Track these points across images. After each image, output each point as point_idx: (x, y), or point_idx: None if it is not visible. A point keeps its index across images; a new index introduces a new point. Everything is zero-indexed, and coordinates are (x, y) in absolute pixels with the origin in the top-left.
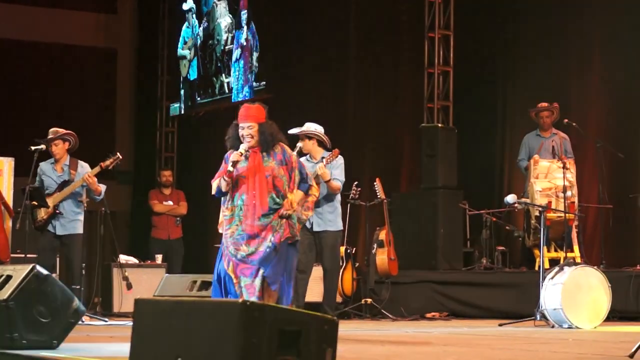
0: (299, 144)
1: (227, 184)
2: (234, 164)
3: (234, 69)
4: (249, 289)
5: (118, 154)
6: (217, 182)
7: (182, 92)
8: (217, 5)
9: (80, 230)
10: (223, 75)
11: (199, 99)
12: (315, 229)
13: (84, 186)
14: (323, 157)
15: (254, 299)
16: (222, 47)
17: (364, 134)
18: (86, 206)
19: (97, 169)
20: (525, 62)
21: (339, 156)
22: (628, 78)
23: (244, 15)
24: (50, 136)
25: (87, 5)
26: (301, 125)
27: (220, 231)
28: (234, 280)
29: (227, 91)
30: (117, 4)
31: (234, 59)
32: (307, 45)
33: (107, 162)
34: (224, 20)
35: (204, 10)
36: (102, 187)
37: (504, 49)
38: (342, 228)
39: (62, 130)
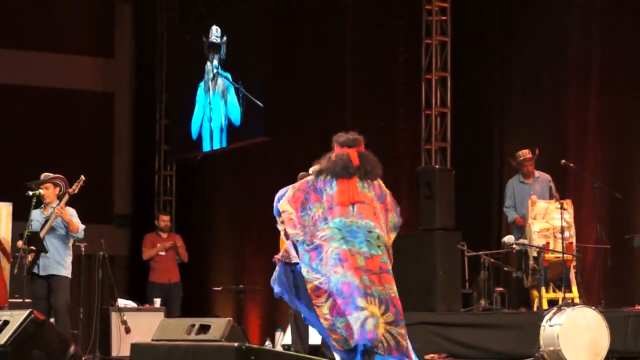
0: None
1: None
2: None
3: (229, 91)
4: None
5: (82, 176)
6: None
7: None
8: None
9: (65, 273)
10: None
11: None
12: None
13: (66, 227)
14: None
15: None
16: None
17: None
18: (84, 251)
19: (65, 198)
20: (522, 102)
21: None
22: (625, 118)
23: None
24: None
25: (84, 49)
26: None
27: (279, 257)
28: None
29: None
30: (114, 48)
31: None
32: (304, 87)
33: (73, 187)
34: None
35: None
36: (81, 226)
37: (501, 89)
38: None
39: (52, 175)
